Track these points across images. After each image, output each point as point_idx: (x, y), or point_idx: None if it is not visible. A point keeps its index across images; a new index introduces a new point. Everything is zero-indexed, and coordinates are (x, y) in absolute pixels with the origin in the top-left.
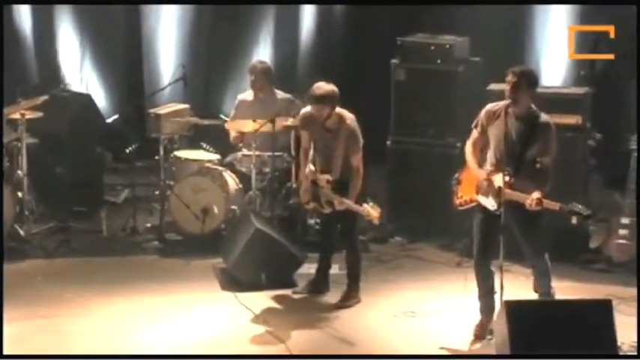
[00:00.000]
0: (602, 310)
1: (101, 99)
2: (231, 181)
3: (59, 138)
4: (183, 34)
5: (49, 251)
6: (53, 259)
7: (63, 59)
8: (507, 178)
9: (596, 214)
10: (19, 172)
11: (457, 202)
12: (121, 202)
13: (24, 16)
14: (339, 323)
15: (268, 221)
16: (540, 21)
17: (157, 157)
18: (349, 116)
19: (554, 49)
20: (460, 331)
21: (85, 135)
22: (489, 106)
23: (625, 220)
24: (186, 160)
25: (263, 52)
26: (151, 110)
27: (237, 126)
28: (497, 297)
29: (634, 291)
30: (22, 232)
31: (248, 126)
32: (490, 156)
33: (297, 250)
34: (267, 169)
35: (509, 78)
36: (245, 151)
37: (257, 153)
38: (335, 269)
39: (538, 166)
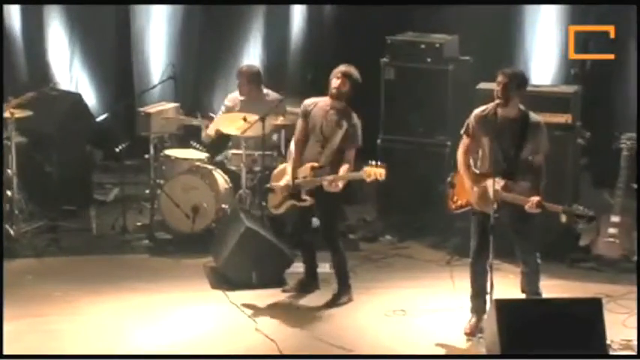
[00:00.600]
0: (592, 308)
1: (91, 98)
2: (222, 180)
3: (49, 137)
4: (173, 32)
5: (39, 250)
6: (43, 257)
7: (52, 58)
8: (502, 182)
9: None
10: (9, 170)
11: (452, 206)
12: (110, 201)
13: (13, 15)
14: (330, 322)
15: (258, 220)
16: (530, 20)
17: (146, 156)
18: (354, 114)
19: (544, 47)
20: (450, 329)
21: (74, 134)
22: (478, 111)
23: (614, 219)
24: (176, 158)
25: (253, 51)
26: (141, 109)
27: (222, 125)
28: (487, 296)
29: (623, 289)
30: (11, 231)
31: (231, 127)
32: (483, 159)
33: (287, 249)
34: (257, 168)
35: (500, 79)
36: (235, 150)
37: (247, 152)
38: (325, 268)
39: (531, 163)
